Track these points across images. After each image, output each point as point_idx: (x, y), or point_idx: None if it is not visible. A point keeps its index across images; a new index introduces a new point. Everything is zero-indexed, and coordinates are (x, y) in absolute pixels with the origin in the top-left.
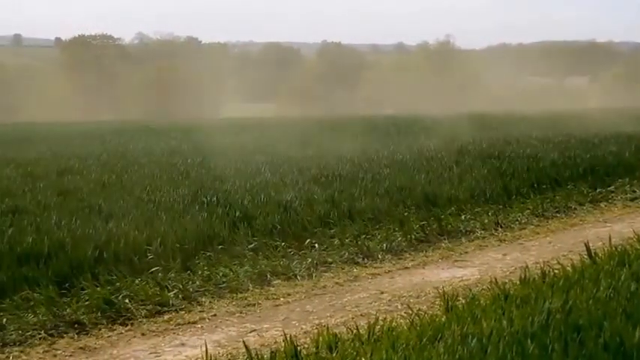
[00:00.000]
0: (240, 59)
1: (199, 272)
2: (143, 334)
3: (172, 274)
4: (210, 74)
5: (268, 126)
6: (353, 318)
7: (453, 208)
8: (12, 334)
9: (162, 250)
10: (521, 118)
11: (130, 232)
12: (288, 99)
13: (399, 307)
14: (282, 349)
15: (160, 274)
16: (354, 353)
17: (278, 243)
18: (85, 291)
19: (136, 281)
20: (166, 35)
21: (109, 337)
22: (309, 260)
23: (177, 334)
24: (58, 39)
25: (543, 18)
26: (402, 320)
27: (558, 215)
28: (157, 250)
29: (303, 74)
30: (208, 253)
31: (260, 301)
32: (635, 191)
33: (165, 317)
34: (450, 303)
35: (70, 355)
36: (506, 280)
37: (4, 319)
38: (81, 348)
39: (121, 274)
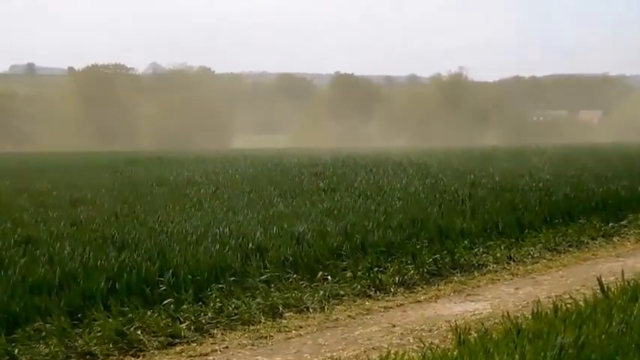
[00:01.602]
0: (253, 90)
1: (211, 304)
2: None
3: (184, 306)
4: (224, 104)
5: (281, 157)
6: (365, 351)
7: (465, 242)
8: None
9: (174, 282)
10: (534, 150)
11: (142, 263)
12: (302, 130)
13: (411, 340)
14: None
15: (172, 305)
16: None
17: (290, 275)
18: (97, 322)
19: (148, 312)
20: (179, 65)
21: None
22: (322, 293)
23: None
24: (71, 68)
25: (556, 51)
26: (414, 354)
27: (571, 249)
28: (170, 282)
29: (316, 105)
30: (221, 285)
31: (272, 334)
32: None
33: (177, 349)
34: (462, 337)
35: None
36: (519, 315)
37: (17, 350)
38: None
39: (133, 305)
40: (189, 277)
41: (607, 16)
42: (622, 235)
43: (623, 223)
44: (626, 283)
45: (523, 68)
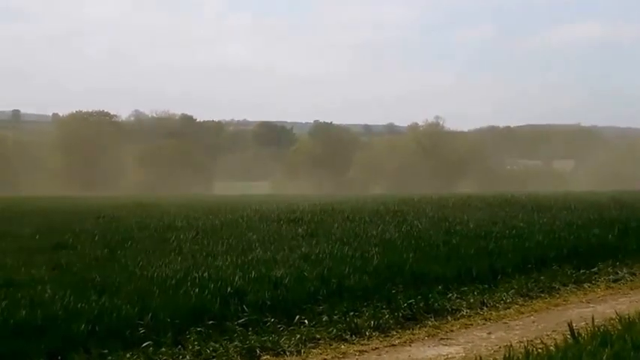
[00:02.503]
0: (234, 137)
1: (190, 347)
2: None
3: (163, 349)
4: (205, 152)
5: (260, 203)
6: None
7: (439, 287)
8: None
9: (154, 325)
10: (509, 199)
11: (122, 307)
12: (282, 177)
13: None
14: None
15: (151, 348)
16: None
17: (268, 319)
18: None
19: (128, 355)
20: (162, 113)
21: None
22: (298, 336)
23: None
24: (55, 115)
25: (531, 102)
26: None
27: (542, 295)
28: (149, 325)
29: (295, 153)
30: (199, 329)
31: None
32: (617, 273)
33: None
34: None
35: None
36: (491, 359)
37: None
38: None
39: (112, 347)
40: (169, 320)
41: (580, 69)
42: (593, 282)
43: (594, 270)
44: (596, 328)
45: (498, 118)
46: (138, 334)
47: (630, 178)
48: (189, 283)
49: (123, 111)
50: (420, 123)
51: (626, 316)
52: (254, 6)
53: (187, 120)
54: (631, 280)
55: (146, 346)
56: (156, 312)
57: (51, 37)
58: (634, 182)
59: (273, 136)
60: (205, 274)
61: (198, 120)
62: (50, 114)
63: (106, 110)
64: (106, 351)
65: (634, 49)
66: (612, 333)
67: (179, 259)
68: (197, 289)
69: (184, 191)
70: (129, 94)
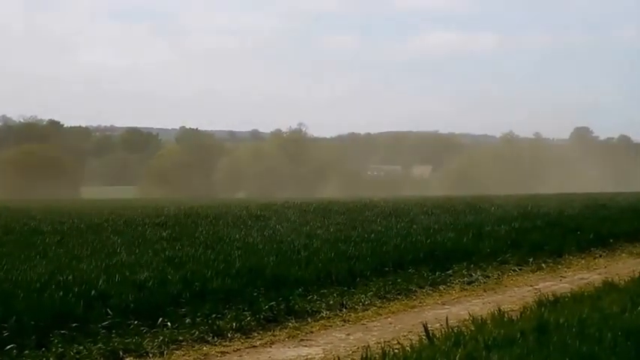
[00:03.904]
0: (101, 143)
1: (53, 349)
2: None
3: (27, 351)
4: (72, 157)
5: (126, 208)
6: None
7: (300, 290)
8: None
9: (18, 328)
10: (368, 204)
11: None
12: (148, 182)
13: None
14: None
15: (14, 351)
16: None
17: (132, 321)
18: None
19: None
20: (30, 118)
21: None
22: (161, 338)
23: None
24: None
25: (391, 109)
26: None
27: (400, 297)
28: (13, 328)
29: (161, 158)
30: (63, 331)
31: None
32: (471, 275)
33: None
34: None
35: None
36: (349, 359)
37: None
38: None
39: None
40: (33, 323)
41: (440, 78)
42: (448, 284)
43: (449, 272)
44: (450, 329)
45: (359, 125)
46: (1, 337)
47: (482, 183)
48: (53, 287)
49: None
50: (284, 130)
51: (479, 317)
52: (119, 13)
53: (54, 125)
54: (484, 282)
55: (10, 349)
56: (20, 315)
57: None
58: (485, 186)
59: (140, 142)
60: (70, 278)
61: (65, 125)
62: None
63: None
64: None
65: (491, 59)
66: (465, 333)
67: (44, 262)
68: (61, 293)
69: (51, 196)
70: None
